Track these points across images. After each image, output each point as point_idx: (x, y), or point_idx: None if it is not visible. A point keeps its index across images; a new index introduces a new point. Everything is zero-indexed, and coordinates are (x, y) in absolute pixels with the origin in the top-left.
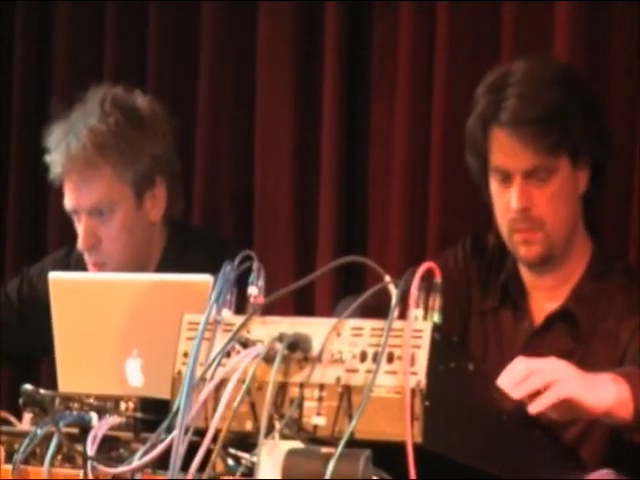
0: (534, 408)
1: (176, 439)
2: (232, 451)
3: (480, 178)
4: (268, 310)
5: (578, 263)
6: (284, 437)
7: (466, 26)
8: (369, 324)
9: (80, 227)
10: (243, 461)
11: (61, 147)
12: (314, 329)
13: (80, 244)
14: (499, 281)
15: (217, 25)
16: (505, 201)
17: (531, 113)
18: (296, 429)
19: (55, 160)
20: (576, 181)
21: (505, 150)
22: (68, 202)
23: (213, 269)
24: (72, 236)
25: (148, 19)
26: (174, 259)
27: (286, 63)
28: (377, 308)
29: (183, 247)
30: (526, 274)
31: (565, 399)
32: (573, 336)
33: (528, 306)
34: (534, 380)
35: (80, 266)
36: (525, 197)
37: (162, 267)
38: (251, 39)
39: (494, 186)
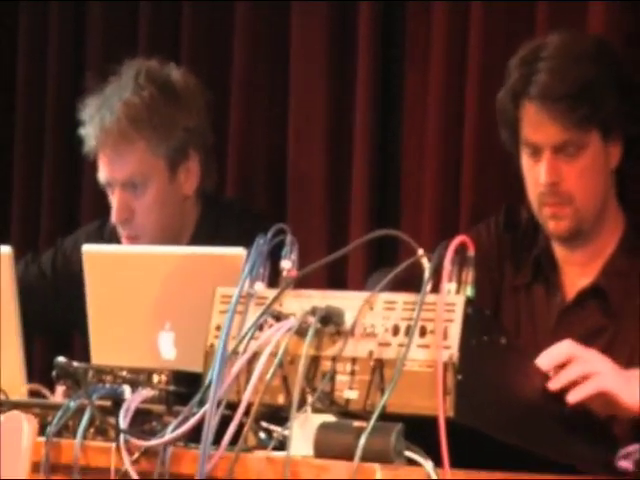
0: (573, 397)
1: (208, 412)
2: (264, 425)
3: (512, 150)
4: (301, 283)
5: (610, 238)
6: (316, 411)
7: (500, 26)
8: (402, 298)
9: (114, 200)
10: (275, 435)
11: (95, 120)
12: (347, 303)
13: (114, 217)
14: (531, 256)
15: (252, 8)
16: (535, 175)
17: (561, 88)
18: (328, 403)
19: (89, 133)
20: (608, 156)
21: (534, 124)
22: (102, 175)
23: (246, 242)
24: (106, 209)
25: (181, 21)
26: (207, 232)
27: (320, 30)
28: (409, 281)
29: (216, 220)
30: (558, 249)
31: (604, 392)
32: (604, 312)
33: (560, 281)
34: (574, 369)
35: (114, 239)
36: (554, 172)
37: (195, 240)
38: (286, 13)
39: (525, 159)
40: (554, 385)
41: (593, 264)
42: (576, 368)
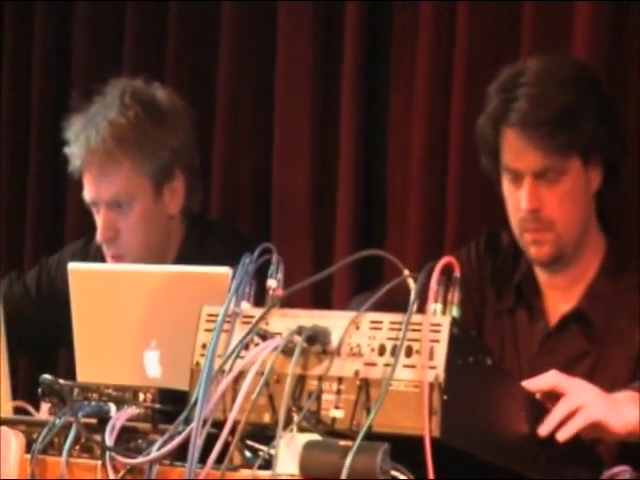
0: (562, 435)
1: (194, 431)
2: (250, 443)
3: (493, 175)
4: (286, 302)
5: (592, 262)
6: (302, 430)
7: (486, 25)
8: (388, 318)
9: (99, 219)
10: (261, 453)
11: (81, 140)
12: (333, 322)
13: (99, 236)
14: (513, 281)
15: (237, 13)
16: (516, 200)
17: (540, 115)
18: (314, 422)
19: (75, 152)
20: (588, 180)
21: (515, 151)
22: (87, 194)
23: (231, 262)
24: (90, 227)
25: (167, 19)
26: (192, 252)
27: (305, 61)
28: (390, 304)
29: (201, 240)
30: (540, 274)
31: (592, 423)
32: (588, 337)
33: (543, 306)
34: (561, 409)
35: (99, 257)
36: (535, 198)
37: (180, 260)
38: (271, 27)
39: (506, 185)
40: (543, 430)
41: (575, 288)
42: (563, 407)
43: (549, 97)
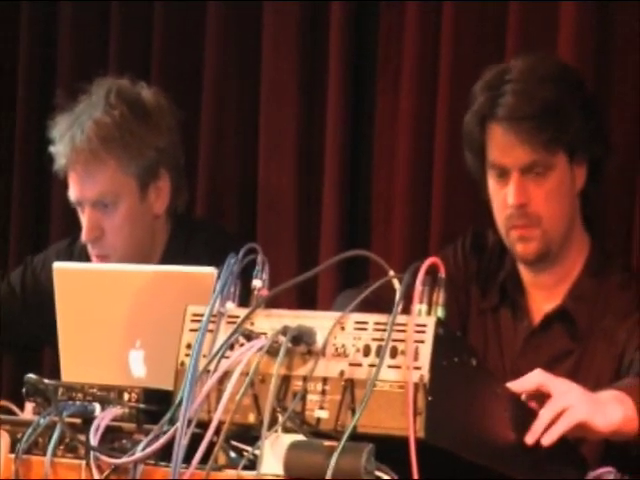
0: (547, 440)
1: (179, 431)
2: (235, 444)
3: (478, 175)
4: (271, 302)
5: (576, 261)
6: (287, 430)
7: (471, 25)
8: (373, 318)
9: (84, 219)
10: (245, 454)
11: (66, 139)
12: (318, 322)
13: (84, 236)
14: (498, 280)
15: (223, 14)
16: (502, 198)
17: (528, 109)
18: (299, 422)
19: (60, 151)
20: (573, 178)
21: (502, 146)
22: (72, 193)
23: (216, 262)
24: (75, 227)
25: (153, 18)
26: (177, 252)
27: (291, 60)
28: (376, 302)
29: (187, 239)
30: (524, 272)
31: (577, 424)
32: (571, 335)
33: (527, 305)
34: (545, 415)
35: (84, 256)
36: (522, 193)
37: (165, 259)
38: (257, 27)
39: (491, 183)
40: (530, 439)
41: (559, 287)
42: (547, 412)
43: (535, 92)
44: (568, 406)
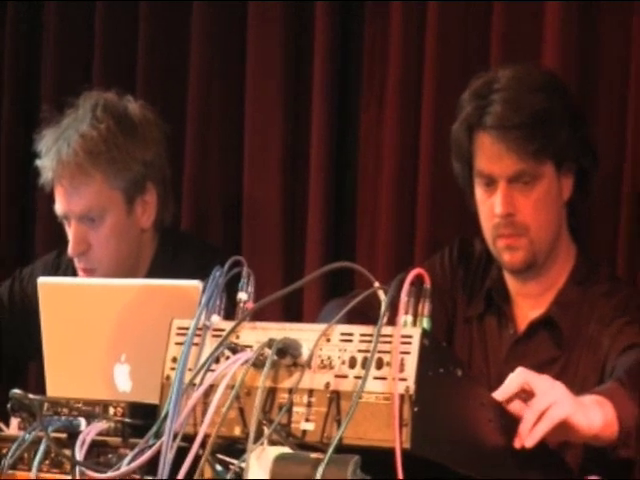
0: (530, 442)
1: (165, 444)
2: (220, 457)
3: (465, 184)
4: (257, 314)
5: (562, 269)
6: (273, 443)
7: (455, 36)
8: (358, 330)
9: (70, 232)
10: (232, 467)
11: (52, 152)
12: (303, 335)
13: (70, 250)
14: (484, 288)
15: (207, 26)
16: (489, 207)
17: (516, 118)
18: (285, 435)
19: (46, 165)
20: (560, 188)
21: (489, 155)
22: (59, 207)
23: (203, 276)
24: (60, 239)
25: (138, 21)
26: (164, 267)
27: (276, 65)
28: (363, 311)
29: (173, 254)
30: (510, 281)
31: (559, 422)
32: (556, 343)
33: (512, 313)
34: (529, 416)
35: (70, 269)
36: (509, 202)
37: (152, 273)
38: (241, 40)
39: (479, 192)
40: (518, 443)
41: (545, 295)
42: (531, 413)
43: (523, 101)
44: (551, 403)
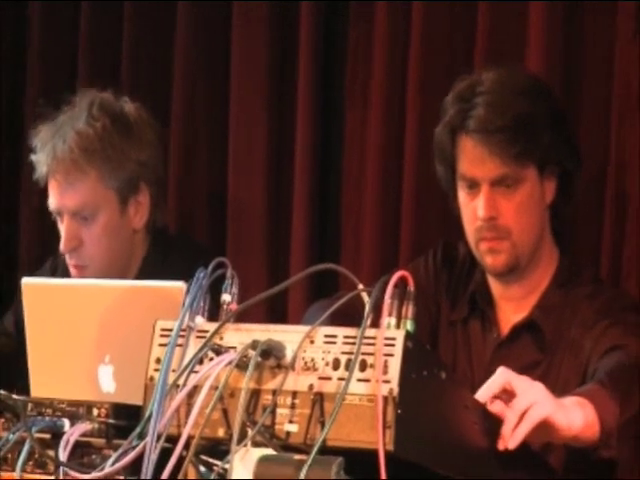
0: (512, 444)
1: (148, 446)
2: (204, 458)
3: (448, 187)
4: (241, 316)
5: (545, 273)
6: (256, 444)
7: (440, 36)
8: (342, 332)
9: (62, 228)
10: (215, 468)
11: (47, 148)
12: (287, 336)
13: (62, 246)
14: (468, 292)
15: (192, 26)
16: (472, 210)
17: (499, 121)
18: (268, 436)
19: (41, 160)
20: (543, 191)
21: (472, 158)
22: (52, 202)
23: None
24: (43, 240)
25: (122, 21)
26: (154, 267)
27: (261, 65)
28: (347, 312)
29: (164, 256)
30: (494, 284)
31: (540, 422)
32: (539, 346)
33: (496, 317)
34: (510, 418)
35: (67, 271)
36: (491, 206)
37: (142, 273)
38: (226, 40)
39: (461, 195)
40: (502, 445)
41: (528, 299)
42: (512, 414)
43: (507, 105)
44: (532, 403)
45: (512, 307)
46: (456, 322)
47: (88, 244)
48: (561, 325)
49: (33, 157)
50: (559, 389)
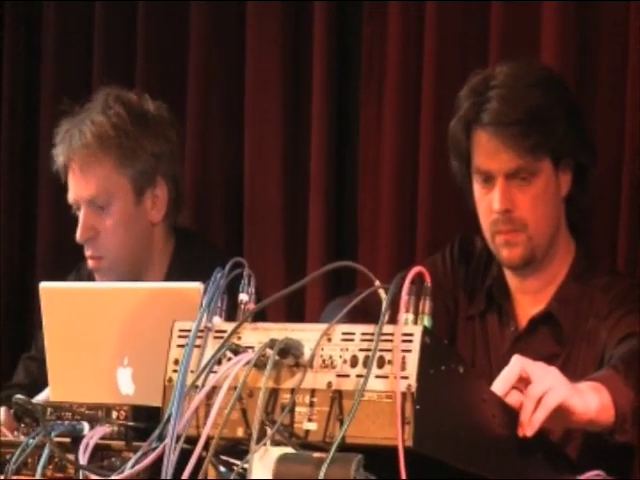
0: (530, 431)
1: (168, 447)
2: (224, 458)
3: (463, 181)
4: (259, 314)
5: (561, 265)
6: (276, 443)
7: (454, 32)
8: (359, 329)
9: (79, 219)
10: (235, 468)
11: (65, 139)
12: (305, 335)
13: (78, 236)
14: (485, 286)
15: (206, 26)
16: (487, 203)
17: (513, 114)
18: (288, 435)
19: (59, 152)
20: (558, 183)
21: (487, 151)
22: (70, 194)
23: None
24: (60, 241)
25: (136, 21)
26: (183, 270)
27: (275, 64)
28: (365, 309)
29: (194, 259)
30: (510, 278)
31: (556, 407)
32: (557, 339)
33: (513, 310)
34: (528, 404)
35: (92, 276)
36: (507, 199)
37: (170, 275)
38: (240, 39)
39: (477, 188)
40: (521, 432)
41: (545, 292)
42: (529, 401)
43: (521, 97)
44: (547, 389)
45: (529, 300)
46: (474, 317)
47: (103, 234)
48: (578, 317)
49: (53, 151)
50: (577, 381)
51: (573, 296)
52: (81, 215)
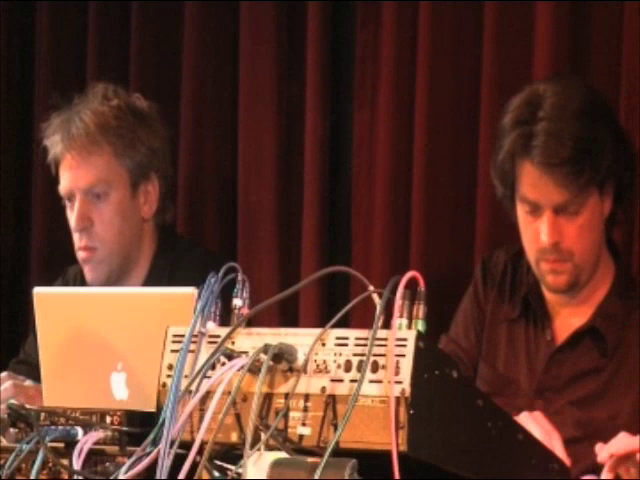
0: None
1: (162, 452)
2: (218, 463)
3: (506, 201)
4: (253, 319)
5: (602, 282)
6: (270, 448)
7: (448, 29)
8: (353, 334)
9: (75, 208)
10: (229, 473)
11: (63, 128)
12: (299, 339)
13: (74, 225)
14: (519, 294)
15: (199, 28)
16: (533, 231)
17: (562, 152)
18: (282, 440)
19: (55, 140)
20: (602, 208)
21: (536, 185)
22: (64, 184)
23: (202, 281)
24: (55, 241)
25: (130, 22)
26: (163, 271)
27: (269, 66)
28: None
29: (173, 260)
30: (548, 293)
31: None
32: (600, 352)
33: (550, 320)
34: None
35: (79, 278)
36: (555, 231)
37: (151, 276)
38: (233, 42)
39: (521, 214)
40: None
41: (585, 306)
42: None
43: (568, 131)
44: None
45: (568, 312)
46: (508, 322)
47: (99, 224)
48: (622, 332)
49: (46, 141)
50: (622, 393)
51: (616, 312)
52: (77, 204)
